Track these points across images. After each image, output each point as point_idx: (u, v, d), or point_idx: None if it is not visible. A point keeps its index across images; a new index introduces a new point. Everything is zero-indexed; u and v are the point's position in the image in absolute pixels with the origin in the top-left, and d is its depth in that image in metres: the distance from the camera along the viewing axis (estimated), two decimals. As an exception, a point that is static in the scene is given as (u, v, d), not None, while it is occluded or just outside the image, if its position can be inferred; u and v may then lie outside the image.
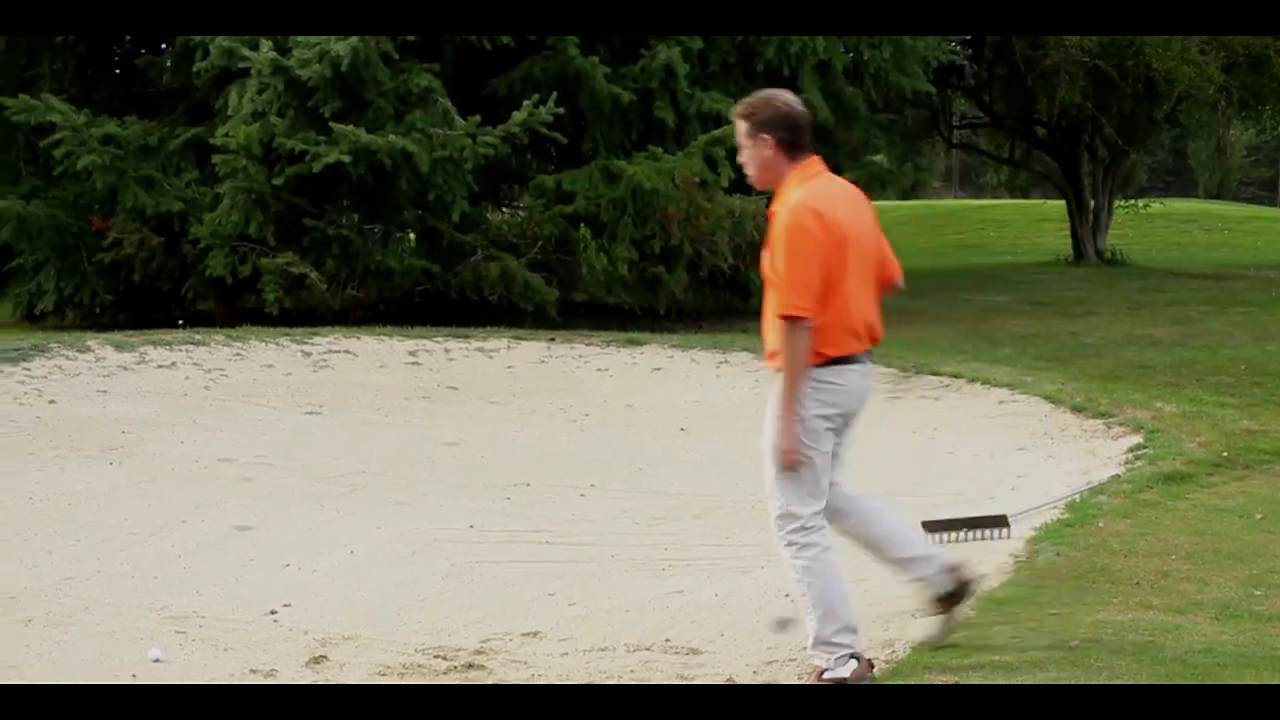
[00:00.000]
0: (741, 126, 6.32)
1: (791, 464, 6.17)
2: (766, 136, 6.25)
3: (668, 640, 7.26)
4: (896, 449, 12.13)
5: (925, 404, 14.02)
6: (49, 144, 20.60)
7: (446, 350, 16.98)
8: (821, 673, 6.21)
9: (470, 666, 6.93)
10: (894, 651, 6.73)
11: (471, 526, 9.84)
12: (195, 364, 15.57)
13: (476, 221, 21.59)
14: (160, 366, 15.36)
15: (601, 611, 7.86)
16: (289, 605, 7.80)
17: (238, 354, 16.10)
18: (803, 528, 6.21)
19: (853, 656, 6.19)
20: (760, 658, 6.91)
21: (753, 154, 6.32)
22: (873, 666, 6.31)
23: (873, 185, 26.34)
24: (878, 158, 25.79)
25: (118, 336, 16.43)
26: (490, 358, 16.97)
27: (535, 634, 7.47)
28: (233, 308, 21.24)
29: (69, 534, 9.61)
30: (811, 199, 6.15)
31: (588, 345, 17.61)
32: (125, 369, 15.12)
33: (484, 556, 9.06)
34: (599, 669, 6.86)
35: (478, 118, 20.11)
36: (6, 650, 7.27)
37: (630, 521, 10.01)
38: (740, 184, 21.45)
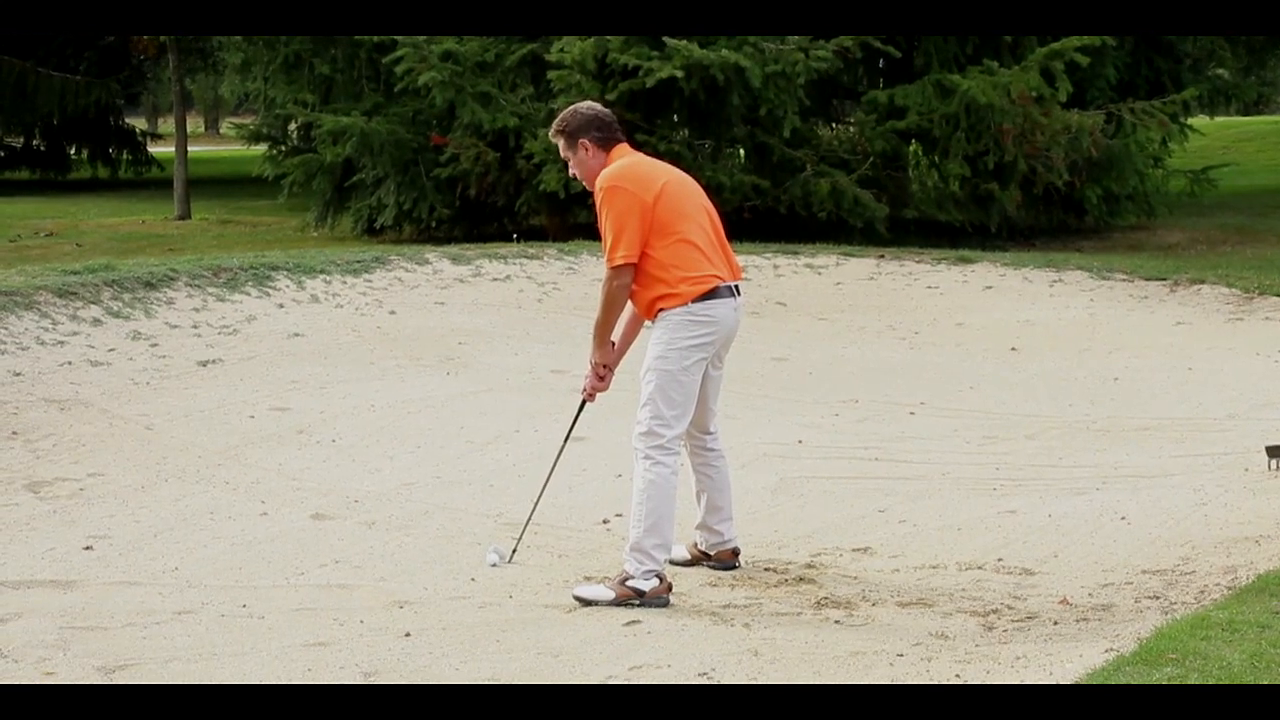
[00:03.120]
0: (561, 142, 6.99)
1: (590, 395, 7.22)
2: (584, 140, 6.91)
3: (1000, 560, 7.19)
4: (1238, 371, 11.78)
5: (1270, 326, 13.56)
6: (390, 60, 21.12)
7: (775, 266, 16.97)
8: (626, 579, 6.71)
9: (801, 580, 6.96)
10: (1236, 578, 6.54)
11: (800, 441, 9.85)
12: (529, 277, 15.85)
13: (806, 137, 21.52)
14: (495, 279, 15.67)
15: (932, 529, 7.80)
16: (620, 515, 7.91)
17: (570, 268, 16.32)
18: (663, 447, 6.80)
19: (657, 576, 6.70)
20: (1095, 580, 6.79)
21: (576, 160, 6.98)
22: (670, 589, 6.74)
23: (1215, 100, 25.54)
24: (1221, 71, 24.94)
25: (454, 249, 16.79)
26: (819, 274, 16.91)
27: (865, 549, 7.46)
28: (565, 222, 21.53)
29: (408, 441, 9.91)
30: (617, 168, 6.83)
31: (918, 262, 17.43)
32: (461, 281, 15.46)
33: (813, 471, 9.08)
34: (930, 586, 6.82)
35: (810, 32, 19.97)
36: (352, 551, 7.54)
37: (960, 440, 9.91)
38: (1078, 98, 21.00)
